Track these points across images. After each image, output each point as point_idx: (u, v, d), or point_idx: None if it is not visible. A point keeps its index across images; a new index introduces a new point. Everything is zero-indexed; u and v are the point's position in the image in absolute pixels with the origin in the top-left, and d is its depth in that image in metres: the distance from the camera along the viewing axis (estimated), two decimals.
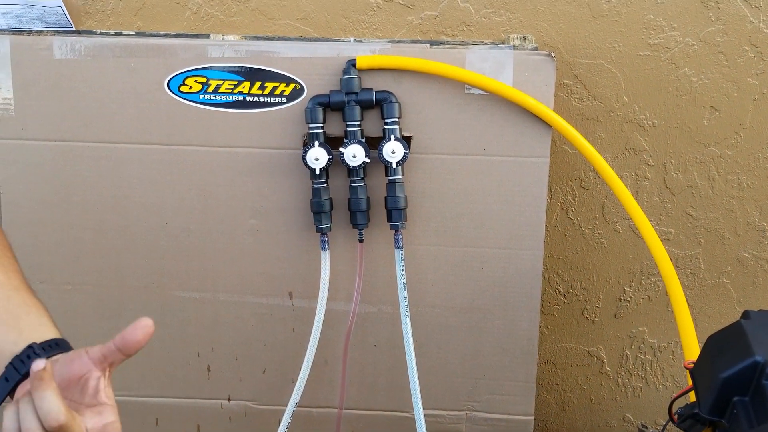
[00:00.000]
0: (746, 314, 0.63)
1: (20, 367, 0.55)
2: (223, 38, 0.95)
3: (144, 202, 0.99)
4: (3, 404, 0.55)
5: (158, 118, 0.96)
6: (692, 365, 0.67)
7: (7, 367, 0.55)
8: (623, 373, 1.22)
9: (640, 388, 1.23)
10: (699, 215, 1.09)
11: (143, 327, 0.55)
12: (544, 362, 1.22)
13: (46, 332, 0.58)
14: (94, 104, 0.96)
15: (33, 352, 0.55)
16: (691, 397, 0.66)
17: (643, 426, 1.20)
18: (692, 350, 0.81)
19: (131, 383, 1.05)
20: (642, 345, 1.20)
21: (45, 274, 1.02)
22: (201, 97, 0.95)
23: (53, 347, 0.57)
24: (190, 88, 0.95)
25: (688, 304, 0.89)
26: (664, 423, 0.69)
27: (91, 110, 0.96)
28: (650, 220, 0.92)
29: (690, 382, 0.66)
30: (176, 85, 0.95)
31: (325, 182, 0.94)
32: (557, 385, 1.24)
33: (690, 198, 1.08)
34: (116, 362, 0.57)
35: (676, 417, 0.65)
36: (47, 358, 0.54)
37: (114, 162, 0.98)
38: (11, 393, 0.56)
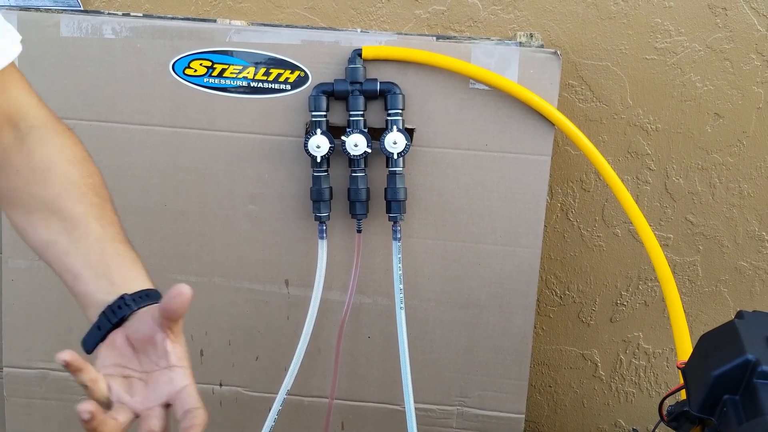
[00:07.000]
0: (740, 314, 0.63)
1: (111, 316, 0.57)
2: (230, 23, 0.96)
3: (144, 183, 0.99)
4: (96, 350, 0.58)
5: (162, 99, 0.96)
6: (684, 365, 0.67)
7: (99, 317, 0.57)
8: (617, 378, 1.22)
9: (633, 393, 1.22)
10: (699, 222, 1.09)
11: (177, 296, 0.52)
12: (538, 364, 1.22)
13: (138, 283, 0.59)
14: (98, 83, 0.96)
15: (124, 302, 0.57)
16: (682, 395, 0.66)
17: (634, 430, 1.20)
18: (685, 351, 0.81)
19: None
20: (636, 350, 1.19)
21: None
22: (205, 80, 0.95)
23: (144, 298, 0.58)
24: (195, 71, 0.95)
25: (684, 312, 0.89)
26: (655, 423, 0.69)
27: (95, 89, 0.97)
28: (650, 225, 0.92)
29: (681, 381, 0.66)
30: (181, 67, 0.95)
31: (326, 171, 0.94)
32: (550, 387, 1.24)
33: (690, 204, 1.08)
34: (170, 326, 0.55)
35: (666, 415, 0.65)
36: (137, 308, 0.57)
37: (115, 142, 0.98)
38: (102, 340, 0.57)
